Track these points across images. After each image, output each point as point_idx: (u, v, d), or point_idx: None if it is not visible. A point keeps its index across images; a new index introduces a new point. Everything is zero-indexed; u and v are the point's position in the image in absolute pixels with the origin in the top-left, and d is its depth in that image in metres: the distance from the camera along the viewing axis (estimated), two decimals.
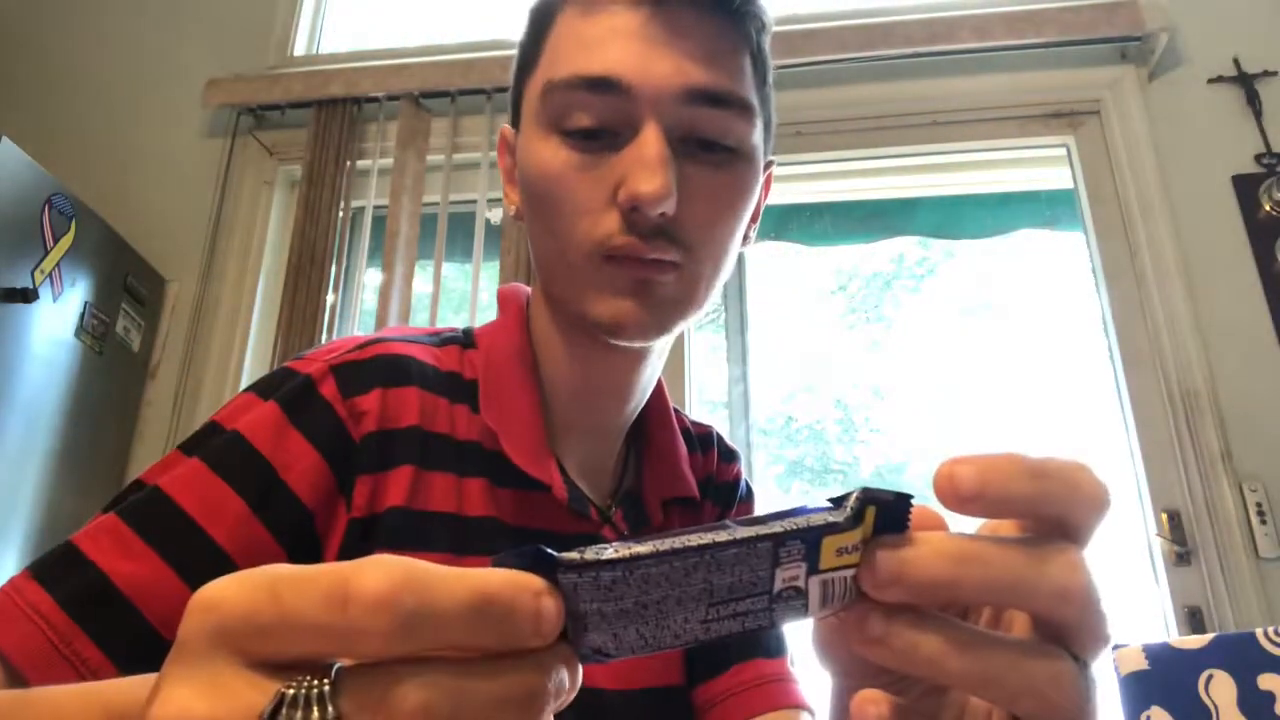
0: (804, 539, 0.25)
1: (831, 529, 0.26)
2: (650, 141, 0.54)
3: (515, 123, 0.65)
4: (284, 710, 0.21)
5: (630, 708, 0.61)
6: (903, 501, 0.27)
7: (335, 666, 0.22)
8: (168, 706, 0.22)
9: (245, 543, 0.51)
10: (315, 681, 0.21)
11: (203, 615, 0.22)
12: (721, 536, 0.25)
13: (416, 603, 0.21)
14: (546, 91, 0.58)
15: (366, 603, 0.21)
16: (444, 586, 0.22)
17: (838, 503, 0.26)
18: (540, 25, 0.61)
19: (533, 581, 0.23)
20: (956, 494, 0.27)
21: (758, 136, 0.60)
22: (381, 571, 0.21)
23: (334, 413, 0.56)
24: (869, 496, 0.26)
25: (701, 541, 0.24)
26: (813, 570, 0.26)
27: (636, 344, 0.60)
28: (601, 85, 0.55)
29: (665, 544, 0.24)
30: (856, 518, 0.26)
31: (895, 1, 2.16)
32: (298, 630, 0.21)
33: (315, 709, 0.21)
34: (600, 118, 0.56)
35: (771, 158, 0.66)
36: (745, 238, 0.64)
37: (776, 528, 0.25)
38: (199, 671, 0.22)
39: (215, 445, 0.54)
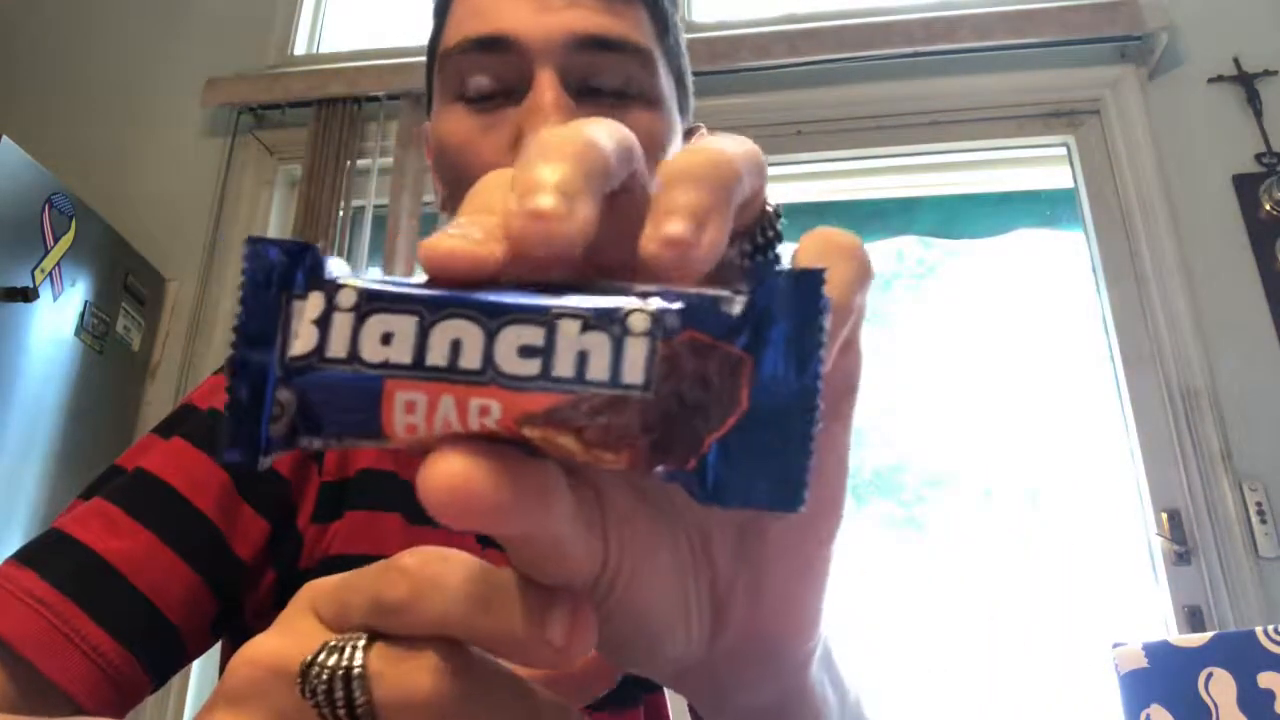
0: None
1: None
2: (544, 87, 0.54)
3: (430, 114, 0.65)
4: (321, 654, 0.22)
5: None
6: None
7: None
8: (251, 645, 0.24)
9: (230, 514, 0.53)
10: (353, 639, 0.22)
11: (302, 591, 0.25)
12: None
13: (429, 573, 0.22)
14: (443, 62, 0.58)
15: (400, 565, 0.22)
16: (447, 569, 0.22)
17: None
18: (441, 13, 0.62)
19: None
20: None
21: (664, 86, 0.59)
22: (413, 555, 0.22)
23: None
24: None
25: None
26: None
27: None
28: (490, 44, 0.55)
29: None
30: None
31: (895, 1, 2.16)
32: (356, 593, 0.23)
33: (346, 656, 0.22)
34: (495, 77, 0.56)
35: (698, 124, 0.65)
36: None
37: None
38: (283, 625, 0.24)
39: (194, 424, 0.55)
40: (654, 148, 0.58)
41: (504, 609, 0.21)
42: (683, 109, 0.62)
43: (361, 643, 0.22)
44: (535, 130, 0.51)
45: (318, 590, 0.24)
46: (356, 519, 0.55)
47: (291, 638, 0.23)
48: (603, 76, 0.56)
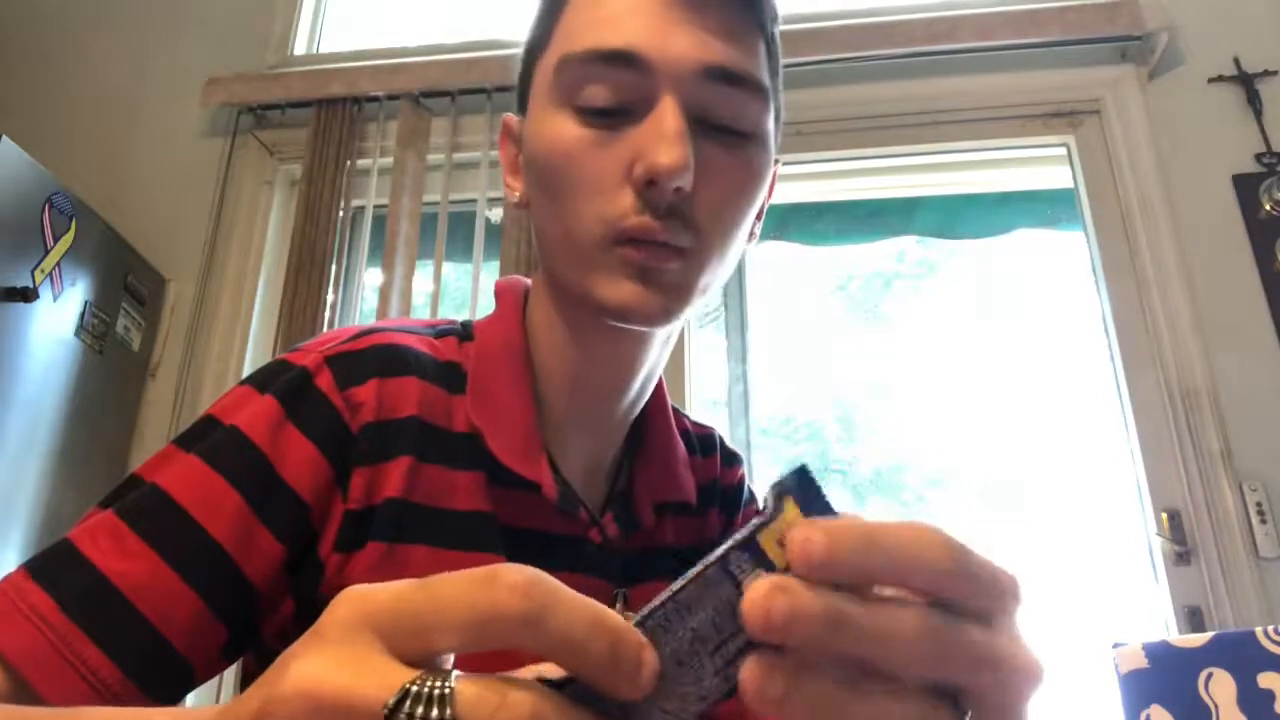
0: (744, 548, 0.26)
1: (761, 527, 0.26)
2: (668, 114, 0.53)
3: (522, 108, 0.63)
4: (407, 703, 0.22)
5: None
6: (803, 476, 0.27)
7: (454, 674, 0.23)
8: (304, 673, 0.23)
9: (243, 538, 0.51)
10: (438, 682, 0.23)
11: (351, 605, 0.25)
12: (676, 584, 0.25)
13: (545, 593, 0.23)
14: (561, 66, 0.56)
15: (509, 583, 0.23)
16: (568, 595, 0.24)
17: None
18: (553, 4, 0.60)
19: (635, 634, 0.24)
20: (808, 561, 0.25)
21: (771, 123, 0.59)
22: (518, 568, 0.24)
23: (331, 405, 0.56)
24: (780, 485, 0.27)
25: (660, 600, 0.25)
26: (769, 569, 0.26)
27: (642, 328, 0.58)
28: (619, 59, 0.54)
29: (643, 611, 0.25)
30: (777, 504, 0.26)
31: (896, 1, 2.16)
32: (442, 612, 0.24)
33: (435, 708, 0.22)
34: (616, 93, 0.54)
35: (779, 156, 0.66)
36: (751, 234, 0.63)
37: (717, 550, 0.26)
38: (340, 649, 0.24)
39: (214, 441, 0.54)
40: (756, 186, 0.58)
41: (609, 634, 0.23)
42: (776, 141, 0.62)
43: (449, 689, 0.22)
44: (654, 155, 0.52)
45: (374, 606, 0.24)
46: (379, 550, 0.54)
47: (358, 673, 0.23)
48: (722, 109, 0.55)
